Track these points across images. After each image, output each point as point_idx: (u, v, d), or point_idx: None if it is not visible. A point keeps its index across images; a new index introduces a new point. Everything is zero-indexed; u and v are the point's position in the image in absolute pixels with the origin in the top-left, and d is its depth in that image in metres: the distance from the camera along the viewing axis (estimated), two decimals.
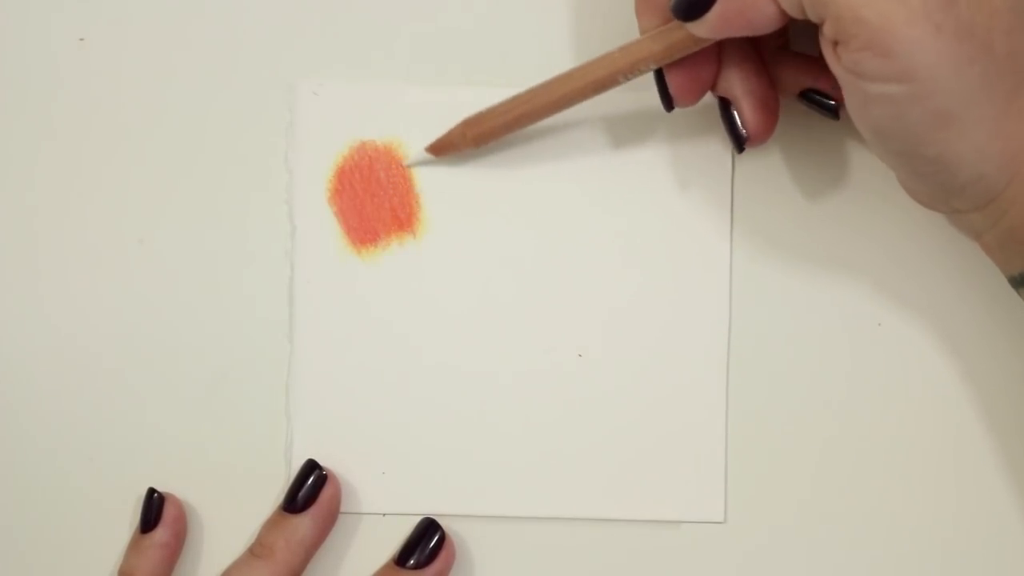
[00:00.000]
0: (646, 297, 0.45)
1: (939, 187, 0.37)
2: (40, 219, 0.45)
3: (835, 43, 0.35)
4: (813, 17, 0.35)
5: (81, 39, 0.46)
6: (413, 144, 0.45)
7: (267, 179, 0.45)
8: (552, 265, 0.45)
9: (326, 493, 0.44)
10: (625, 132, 0.44)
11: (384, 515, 0.45)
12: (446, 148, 0.44)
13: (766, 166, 0.44)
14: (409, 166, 0.45)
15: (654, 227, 0.45)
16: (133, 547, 0.44)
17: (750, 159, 0.42)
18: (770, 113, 0.41)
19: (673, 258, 0.45)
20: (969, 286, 0.44)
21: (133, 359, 0.45)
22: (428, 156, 0.44)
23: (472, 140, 0.43)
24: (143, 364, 0.45)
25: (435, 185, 0.45)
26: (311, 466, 0.44)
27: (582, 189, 0.45)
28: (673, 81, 0.40)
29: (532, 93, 0.42)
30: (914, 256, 0.44)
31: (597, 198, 0.45)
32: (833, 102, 0.41)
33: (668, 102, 0.41)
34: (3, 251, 0.45)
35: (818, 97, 0.41)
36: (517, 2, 0.45)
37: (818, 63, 0.40)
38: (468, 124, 0.43)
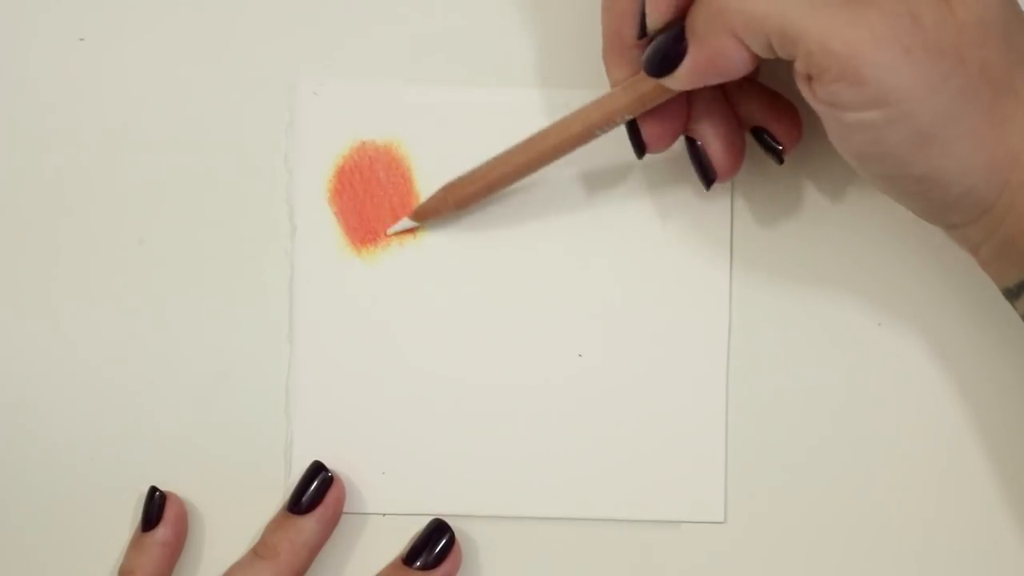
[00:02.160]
0: (646, 297, 0.45)
1: (932, 204, 0.37)
2: (40, 219, 0.45)
3: (809, 78, 0.35)
4: (784, 55, 0.36)
5: (81, 39, 0.46)
6: (413, 144, 0.45)
7: (267, 179, 0.45)
8: (553, 265, 0.45)
9: (331, 495, 0.44)
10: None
11: (384, 515, 0.45)
12: (429, 214, 0.44)
13: (766, 168, 0.44)
14: (391, 234, 0.45)
15: (654, 228, 0.45)
16: (134, 545, 0.44)
17: (750, 160, 0.42)
18: (737, 152, 0.41)
19: (673, 258, 0.45)
20: (967, 290, 0.44)
21: (133, 359, 0.45)
22: (411, 223, 0.44)
23: (453, 204, 0.43)
24: (143, 364, 0.45)
25: (435, 185, 0.44)
26: (317, 468, 0.44)
27: (583, 190, 0.45)
28: (647, 131, 0.41)
29: (512, 153, 0.42)
30: (914, 257, 0.44)
31: (598, 199, 0.45)
32: (780, 146, 0.41)
33: (641, 150, 0.41)
34: (3, 251, 0.45)
35: (766, 138, 0.41)
36: (517, 2, 0.45)
37: (775, 101, 0.41)
38: (449, 189, 0.43)
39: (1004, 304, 0.39)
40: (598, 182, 0.45)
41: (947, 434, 0.44)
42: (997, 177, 0.36)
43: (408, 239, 0.45)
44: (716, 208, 0.45)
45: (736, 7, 0.35)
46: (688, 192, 0.45)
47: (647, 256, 0.45)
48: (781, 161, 0.42)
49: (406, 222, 0.44)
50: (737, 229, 0.45)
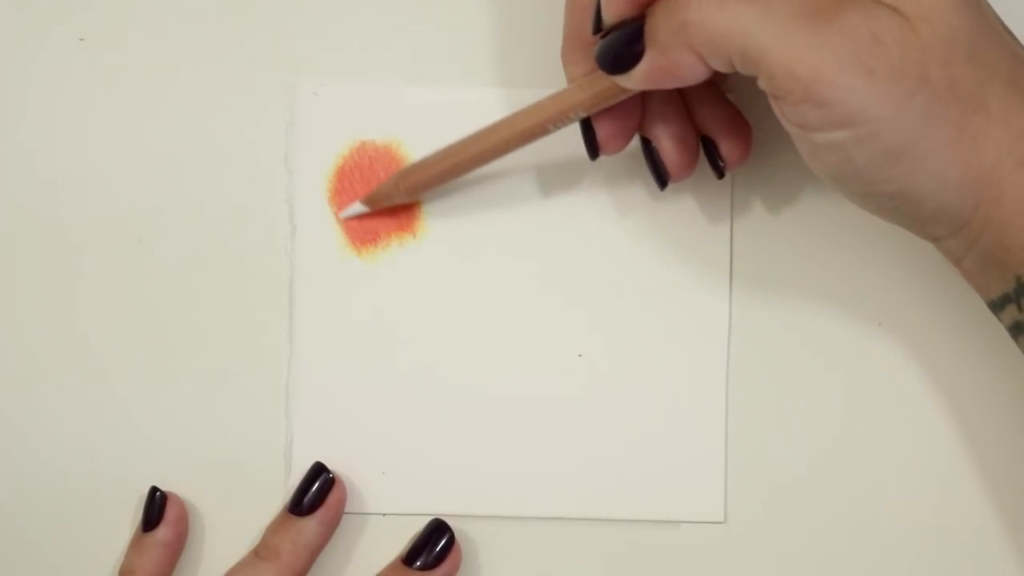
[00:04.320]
0: (646, 297, 0.45)
1: (909, 219, 0.37)
2: (40, 219, 0.45)
3: (775, 97, 0.35)
4: (745, 73, 0.35)
5: (81, 39, 0.46)
6: (413, 144, 0.45)
7: (267, 179, 0.45)
8: (553, 264, 0.45)
9: (333, 497, 0.44)
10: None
11: (384, 515, 0.45)
12: (381, 200, 0.44)
13: (766, 169, 0.44)
14: (343, 218, 0.45)
15: (654, 229, 0.45)
16: (134, 546, 0.44)
17: (750, 161, 0.42)
18: (690, 153, 0.41)
19: (673, 258, 0.45)
20: (966, 293, 0.44)
21: (133, 359, 0.45)
22: (363, 208, 0.44)
23: (405, 191, 0.43)
24: (143, 364, 0.45)
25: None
26: (318, 469, 0.44)
27: (584, 190, 0.45)
28: (602, 129, 0.40)
29: (464, 143, 0.42)
30: (914, 259, 0.44)
31: (598, 200, 0.45)
32: (721, 163, 0.41)
33: (594, 150, 0.41)
34: (3, 251, 0.45)
35: (712, 151, 0.41)
36: (517, 2, 0.45)
37: (728, 116, 0.41)
38: (402, 175, 0.43)
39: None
40: (597, 183, 0.45)
41: (945, 435, 0.44)
42: (971, 193, 0.35)
43: (408, 239, 0.45)
44: (716, 209, 0.45)
45: (699, 22, 0.35)
46: (688, 193, 0.45)
47: (647, 256, 0.45)
48: (721, 176, 0.42)
49: (358, 206, 0.44)
50: (737, 229, 0.45)
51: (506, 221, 0.45)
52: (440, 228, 0.45)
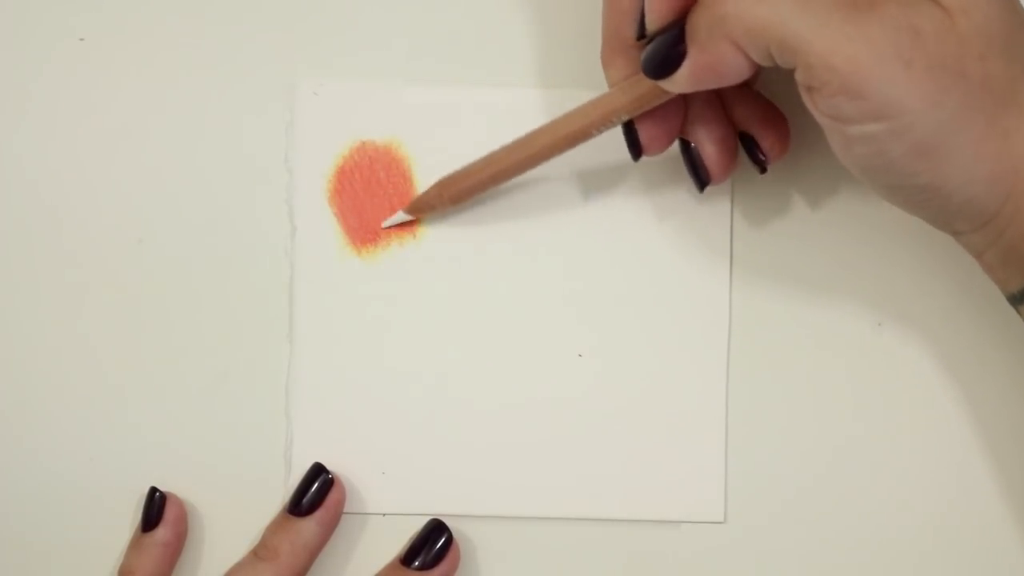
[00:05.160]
0: (646, 297, 0.45)
1: (935, 212, 0.37)
2: (40, 219, 0.45)
3: (810, 89, 0.35)
4: (784, 65, 0.35)
5: (81, 39, 0.46)
6: (413, 144, 0.45)
7: (267, 179, 0.45)
8: (552, 265, 0.45)
9: (332, 497, 0.44)
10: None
11: (384, 515, 0.45)
12: (424, 208, 0.44)
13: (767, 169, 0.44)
14: (386, 227, 0.45)
15: (654, 229, 0.45)
16: (134, 546, 0.44)
17: (749, 162, 0.42)
18: (730, 155, 0.41)
19: (674, 258, 0.45)
20: (967, 292, 0.44)
21: (133, 359, 0.45)
22: (406, 217, 0.44)
23: (448, 200, 0.43)
24: (143, 364, 0.45)
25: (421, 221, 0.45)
26: (317, 470, 0.44)
27: (582, 191, 0.45)
28: (644, 132, 0.41)
29: (507, 150, 0.42)
30: (914, 258, 0.44)
31: (597, 200, 0.45)
32: (763, 157, 0.41)
33: (637, 152, 0.41)
34: (3, 251, 0.45)
35: (753, 147, 0.41)
36: (517, 2, 0.45)
37: (766, 111, 0.41)
38: (444, 184, 0.43)
39: (1004, 305, 0.39)
40: (598, 183, 0.45)
41: (947, 434, 0.44)
42: (1000, 187, 0.36)
43: (408, 239, 0.45)
44: (716, 209, 0.45)
45: (737, 15, 0.35)
46: (687, 193, 0.45)
47: (647, 257, 0.45)
48: (763, 171, 0.42)
49: (401, 215, 0.44)
50: (737, 230, 0.45)
51: (505, 221, 0.45)
52: (440, 228, 0.45)
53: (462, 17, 0.45)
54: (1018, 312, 0.38)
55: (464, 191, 0.43)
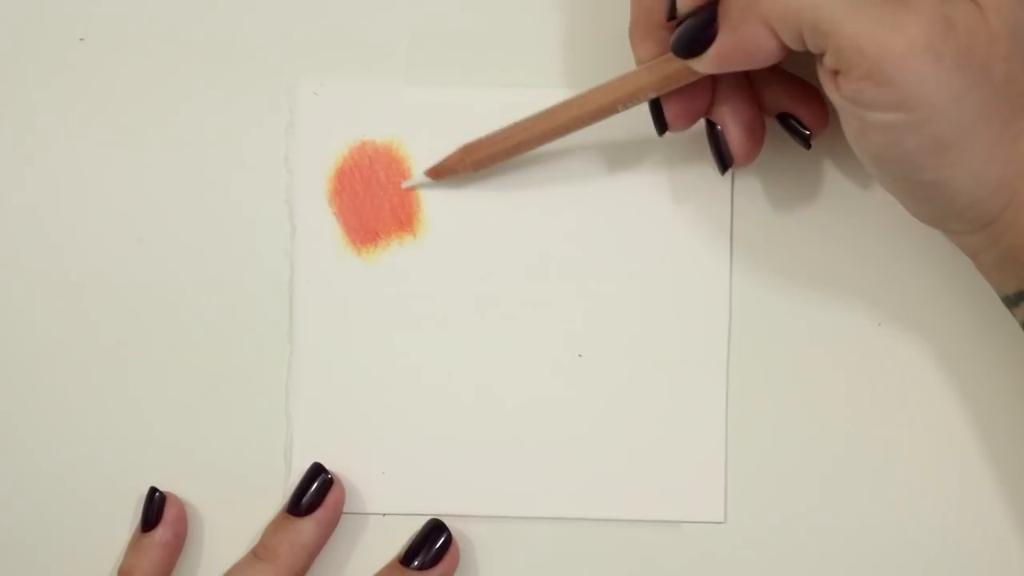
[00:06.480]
0: (646, 297, 0.45)
1: (937, 210, 0.37)
2: (40, 219, 0.45)
3: (835, 72, 0.35)
4: (814, 49, 0.35)
5: (81, 39, 0.46)
6: (413, 144, 0.45)
7: (267, 179, 0.45)
8: (552, 264, 0.45)
9: (331, 497, 0.44)
10: (629, 134, 0.44)
11: (384, 515, 0.45)
12: (445, 172, 0.44)
13: (767, 166, 0.44)
14: (407, 188, 0.45)
15: (653, 228, 0.45)
16: (133, 546, 0.44)
17: (765, 153, 0.42)
18: (756, 139, 0.41)
19: (674, 257, 0.45)
20: (967, 291, 0.44)
21: (133, 359, 0.45)
22: (427, 180, 0.44)
23: (471, 165, 0.43)
24: (143, 364, 0.45)
25: (435, 185, 0.45)
26: (317, 470, 0.44)
27: (584, 189, 0.45)
28: (670, 110, 0.40)
29: (532, 121, 0.42)
30: (915, 257, 0.44)
31: (597, 200, 0.45)
32: (808, 131, 0.41)
33: (662, 127, 0.41)
34: (2, 251, 0.45)
35: (794, 123, 0.41)
36: (517, 2, 0.45)
37: (801, 88, 0.41)
38: (467, 150, 0.43)
39: (1003, 306, 0.39)
40: (598, 183, 0.45)
41: (946, 434, 0.44)
42: (1004, 192, 0.36)
43: (408, 239, 0.45)
44: (716, 208, 0.45)
45: None
46: (687, 192, 0.45)
47: (647, 256, 0.45)
48: (808, 146, 0.41)
49: (422, 178, 0.44)
50: (737, 229, 0.45)
51: (505, 221, 0.45)
52: (440, 228, 0.45)
53: (462, 17, 0.45)
54: (1012, 313, 0.38)
55: (487, 158, 0.43)
